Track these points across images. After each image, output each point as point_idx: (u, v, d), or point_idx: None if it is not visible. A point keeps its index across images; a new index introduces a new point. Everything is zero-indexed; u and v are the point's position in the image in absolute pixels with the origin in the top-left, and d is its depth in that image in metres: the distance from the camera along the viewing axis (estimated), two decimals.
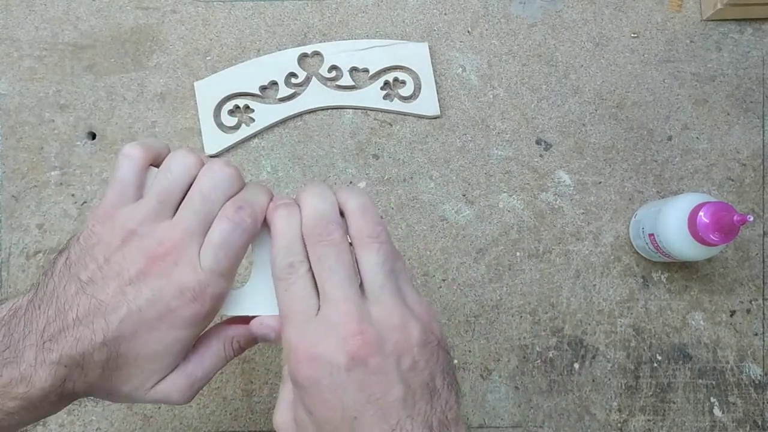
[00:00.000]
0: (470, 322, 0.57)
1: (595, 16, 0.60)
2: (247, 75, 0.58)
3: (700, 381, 0.57)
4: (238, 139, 0.58)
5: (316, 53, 0.59)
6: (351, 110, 0.60)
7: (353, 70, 0.59)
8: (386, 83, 0.59)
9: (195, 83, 0.58)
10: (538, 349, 0.57)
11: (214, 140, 0.58)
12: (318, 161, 0.59)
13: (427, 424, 0.30)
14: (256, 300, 0.35)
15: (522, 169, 0.59)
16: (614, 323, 0.57)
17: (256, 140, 0.59)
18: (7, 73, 0.60)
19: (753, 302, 0.58)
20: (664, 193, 0.59)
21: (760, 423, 0.56)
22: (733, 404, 0.57)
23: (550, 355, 0.57)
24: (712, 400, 0.57)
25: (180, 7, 0.60)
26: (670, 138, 0.59)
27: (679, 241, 0.50)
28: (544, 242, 0.58)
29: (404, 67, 0.59)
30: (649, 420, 0.56)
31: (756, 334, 0.57)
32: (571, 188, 0.59)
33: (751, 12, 0.59)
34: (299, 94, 0.58)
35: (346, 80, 0.58)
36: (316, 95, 0.58)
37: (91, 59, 0.60)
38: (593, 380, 0.57)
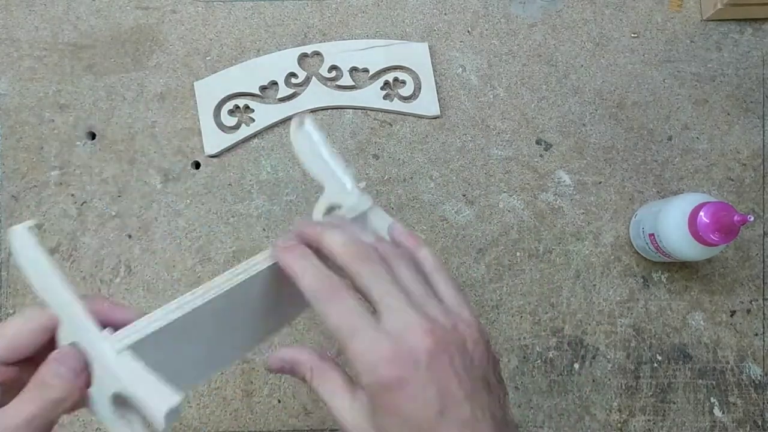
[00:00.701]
0: None
1: (595, 16, 0.60)
2: (247, 75, 0.58)
3: (701, 381, 0.57)
4: (238, 139, 0.58)
5: (316, 53, 0.59)
6: (351, 110, 0.60)
7: (353, 70, 0.59)
8: (386, 83, 0.59)
9: (195, 83, 0.58)
10: (538, 349, 0.57)
11: (214, 140, 0.58)
12: None
13: (491, 414, 0.33)
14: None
15: (522, 169, 0.59)
16: (614, 323, 0.57)
17: (256, 140, 0.59)
18: (7, 73, 0.60)
19: (753, 302, 0.58)
20: (664, 193, 0.58)
21: (760, 423, 0.56)
22: (734, 404, 0.56)
23: (550, 355, 0.57)
24: (713, 400, 0.57)
25: (180, 7, 0.60)
26: (670, 138, 0.59)
27: (680, 241, 0.50)
28: (545, 242, 0.58)
29: (404, 67, 0.59)
30: (649, 420, 0.56)
31: (756, 335, 0.57)
32: (571, 188, 0.59)
33: (751, 12, 0.59)
34: (299, 93, 0.58)
35: (346, 80, 0.58)
36: (316, 95, 0.58)
37: (90, 59, 0.60)
38: (593, 380, 0.57)
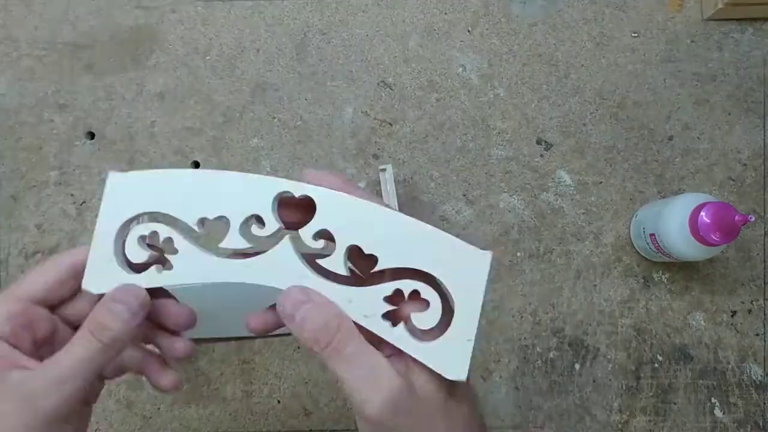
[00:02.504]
0: None
1: (596, 15, 0.60)
2: (189, 192, 0.34)
3: (701, 381, 0.57)
4: (138, 286, 0.34)
5: (307, 199, 0.34)
6: (351, 108, 0.59)
7: (354, 251, 0.33)
8: (397, 294, 0.33)
9: (109, 175, 0.35)
10: (538, 349, 0.57)
11: (104, 274, 0.34)
12: (318, 161, 0.59)
13: None
14: None
15: (522, 169, 0.59)
16: (615, 324, 0.57)
17: (255, 140, 0.59)
18: (6, 73, 0.60)
19: (754, 302, 0.57)
20: (665, 193, 0.58)
21: (761, 424, 0.56)
22: (734, 405, 0.56)
23: (551, 355, 0.57)
24: (713, 400, 0.56)
25: (179, 7, 0.60)
26: (671, 138, 0.59)
27: (680, 241, 0.50)
28: (545, 242, 0.58)
29: (435, 279, 0.33)
30: (650, 421, 0.56)
31: (757, 335, 0.57)
32: (572, 188, 0.59)
33: (752, 11, 0.59)
34: (256, 253, 0.34)
35: (336, 263, 0.33)
36: (280, 269, 0.34)
37: (90, 59, 0.60)
38: (594, 381, 0.57)
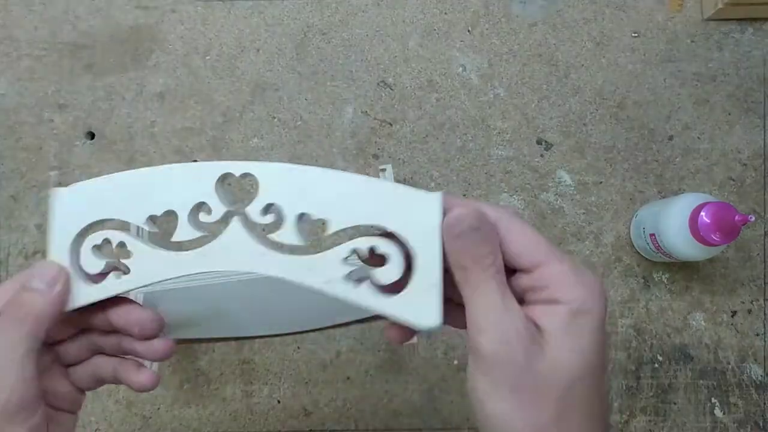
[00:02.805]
0: None
1: (596, 15, 0.60)
2: (134, 192, 0.34)
3: (701, 382, 0.57)
4: (100, 297, 0.33)
5: (248, 176, 0.34)
6: (351, 108, 0.59)
7: (303, 218, 0.33)
8: (355, 253, 0.32)
9: (55, 189, 0.33)
10: None
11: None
12: (318, 161, 0.59)
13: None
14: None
15: (522, 169, 0.59)
16: (615, 323, 0.57)
17: (255, 140, 0.59)
18: (6, 73, 0.59)
19: (754, 302, 0.57)
20: (665, 193, 0.58)
21: (761, 424, 0.56)
22: (734, 405, 0.56)
23: None
24: (713, 400, 0.56)
25: (179, 7, 0.60)
26: (671, 138, 0.59)
27: (680, 241, 0.50)
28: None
29: (392, 233, 0.32)
30: (650, 421, 0.56)
31: (757, 335, 0.57)
32: (572, 188, 0.59)
33: (752, 11, 0.59)
34: (209, 240, 0.33)
35: (289, 234, 0.32)
36: (233, 249, 0.33)
37: (90, 59, 0.60)
38: None
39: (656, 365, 0.57)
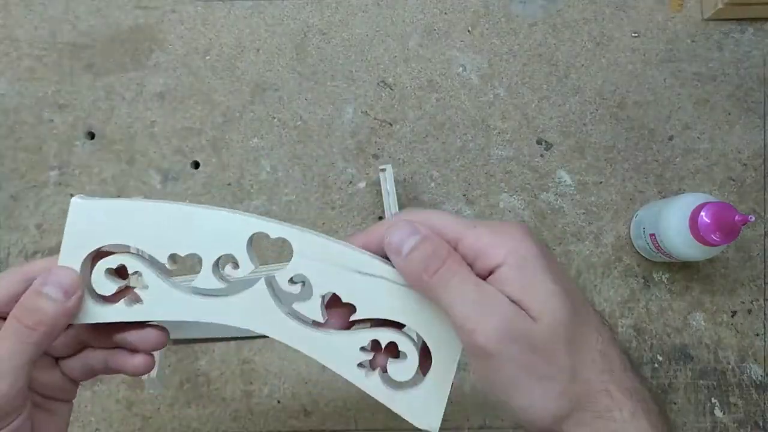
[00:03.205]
0: None
1: (596, 15, 0.60)
2: (161, 225, 0.33)
3: (701, 381, 0.57)
4: (101, 320, 0.33)
5: (282, 241, 0.33)
6: (351, 108, 0.59)
7: (327, 298, 0.33)
8: (374, 344, 0.32)
9: (73, 200, 0.32)
10: None
11: None
12: (318, 161, 0.59)
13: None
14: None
15: (522, 169, 0.59)
16: (615, 324, 0.57)
17: (255, 140, 0.59)
18: (6, 73, 0.59)
19: (754, 302, 0.57)
20: (665, 193, 0.58)
21: (761, 424, 0.56)
22: (734, 405, 0.56)
23: None
24: (713, 400, 0.56)
25: (179, 7, 0.60)
26: (671, 138, 0.59)
27: (680, 241, 0.49)
28: (545, 242, 0.58)
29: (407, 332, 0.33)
30: None
31: (757, 335, 0.57)
32: (572, 188, 0.59)
33: (752, 11, 0.59)
34: (228, 294, 0.33)
35: (313, 310, 0.32)
36: (254, 311, 0.33)
37: (90, 59, 0.60)
38: None
39: (656, 365, 0.57)
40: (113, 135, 0.59)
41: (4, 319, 0.30)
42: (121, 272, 0.33)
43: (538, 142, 0.59)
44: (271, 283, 0.33)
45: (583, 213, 0.58)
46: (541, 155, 0.59)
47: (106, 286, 0.33)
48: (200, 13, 0.60)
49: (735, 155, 0.59)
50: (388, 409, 0.32)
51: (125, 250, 0.33)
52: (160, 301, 0.33)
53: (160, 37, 0.60)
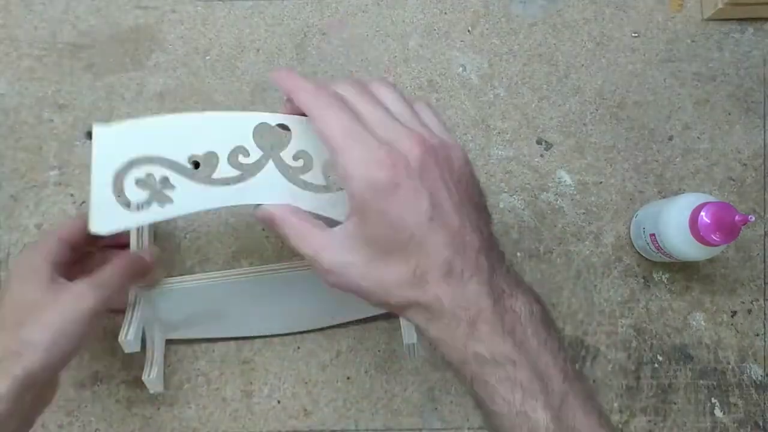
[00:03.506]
0: None
1: (596, 15, 0.60)
2: (176, 135, 0.38)
3: (701, 382, 0.57)
4: (142, 222, 0.39)
5: (283, 127, 0.40)
6: None
7: (325, 163, 0.40)
8: None
9: (95, 128, 0.38)
10: None
11: (108, 215, 0.38)
12: None
13: (478, 228, 0.34)
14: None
15: (522, 168, 0.59)
16: (615, 324, 0.57)
17: None
18: (6, 73, 0.59)
19: (754, 302, 0.57)
20: (665, 193, 0.58)
21: (761, 424, 0.56)
22: (735, 405, 0.56)
23: None
24: (713, 400, 0.56)
25: (179, 7, 0.60)
26: (671, 138, 0.59)
27: (680, 241, 0.50)
28: (545, 242, 0.58)
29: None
30: (650, 421, 0.56)
31: (757, 335, 0.57)
32: (572, 188, 0.59)
33: (753, 11, 0.59)
34: (245, 179, 0.39)
35: (317, 176, 0.40)
36: (268, 188, 0.39)
37: (90, 59, 0.60)
38: (594, 381, 0.57)
39: (656, 365, 0.57)
40: None
41: (77, 247, 0.47)
42: (147, 182, 0.38)
43: (538, 142, 0.59)
44: (279, 162, 0.39)
45: (583, 213, 0.58)
46: (541, 155, 0.59)
47: (139, 194, 0.38)
48: (200, 13, 0.60)
49: (735, 155, 0.59)
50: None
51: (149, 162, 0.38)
52: (187, 197, 0.38)
53: (160, 37, 0.60)
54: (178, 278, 0.52)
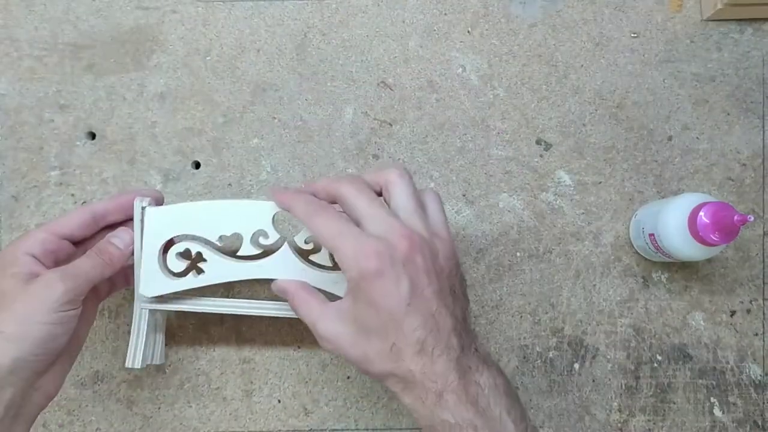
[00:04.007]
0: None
1: (595, 15, 0.60)
2: (209, 218, 0.47)
3: (701, 381, 0.57)
4: (180, 289, 0.48)
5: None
6: (351, 108, 0.59)
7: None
8: None
9: (146, 209, 0.48)
10: (538, 349, 0.57)
11: (156, 282, 0.48)
12: (318, 161, 0.59)
13: (452, 315, 0.39)
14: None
15: (522, 169, 0.59)
16: (614, 323, 0.57)
17: (256, 140, 0.59)
18: (7, 73, 0.60)
19: (753, 302, 0.58)
20: (664, 193, 0.58)
21: (760, 423, 0.56)
22: (734, 404, 0.56)
23: (550, 355, 0.57)
24: (713, 400, 0.57)
25: (180, 7, 0.60)
26: (670, 138, 0.59)
27: (680, 241, 0.50)
28: (544, 242, 0.58)
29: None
30: (649, 420, 0.56)
31: (756, 334, 0.57)
32: (571, 188, 0.59)
33: (752, 12, 0.59)
34: (264, 257, 0.47)
35: (323, 257, 0.47)
36: (283, 266, 0.47)
37: (90, 59, 0.60)
38: (593, 380, 0.57)
39: (655, 365, 0.57)
40: (114, 135, 0.59)
41: (73, 241, 0.47)
42: (185, 255, 0.48)
43: (538, 143, 0.59)
44: (292, 244, 0.47)
45: (583, 213, 0.59)
46: (541, 155, 0.59)
47: (178, 265, 0.48)
48: (201, 13, 0.60)
49: (734, 155, 0.59)
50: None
51: (187, 239, 0.48)
52: (217, 269, 0.47)
53: (160, 38, 0.60)
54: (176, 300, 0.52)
